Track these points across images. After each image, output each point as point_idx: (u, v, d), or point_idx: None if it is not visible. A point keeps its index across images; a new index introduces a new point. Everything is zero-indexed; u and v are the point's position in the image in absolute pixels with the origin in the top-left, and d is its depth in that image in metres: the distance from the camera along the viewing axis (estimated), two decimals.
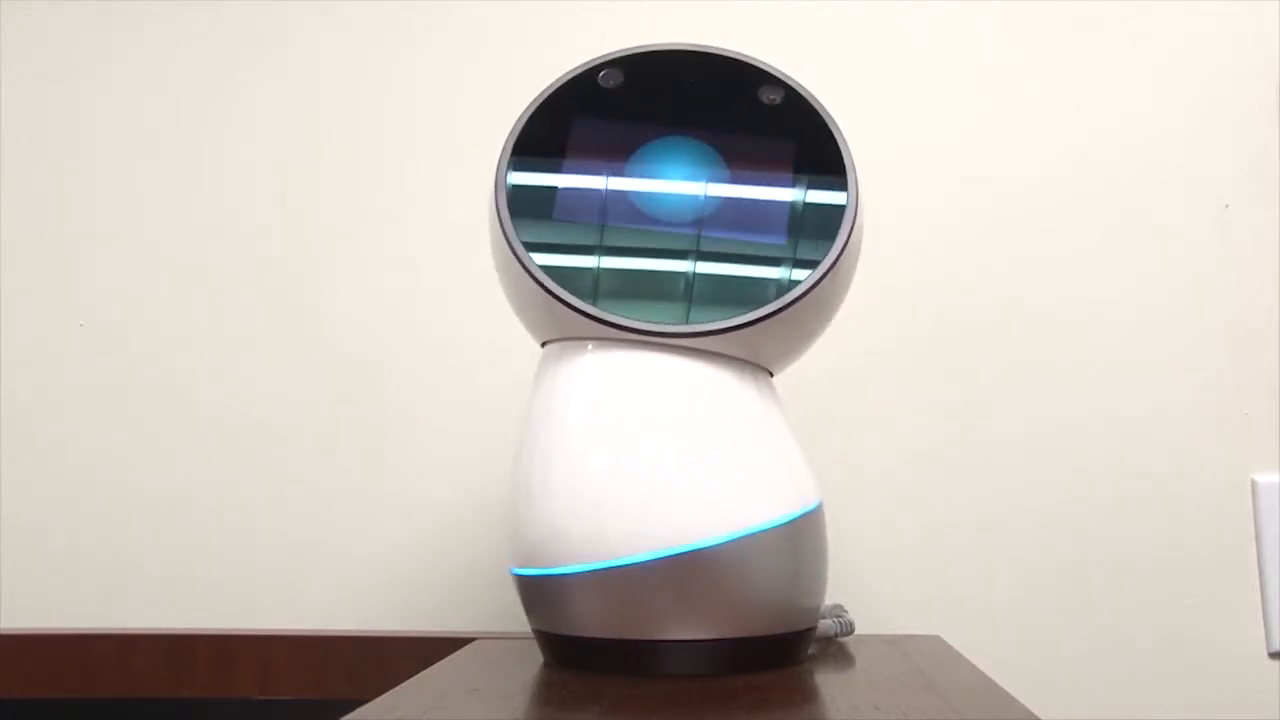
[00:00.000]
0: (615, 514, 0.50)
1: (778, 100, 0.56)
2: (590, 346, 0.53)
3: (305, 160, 0.88)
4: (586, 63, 0.57)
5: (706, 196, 0.55)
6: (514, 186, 0.55)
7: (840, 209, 0.54)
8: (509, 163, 0.55)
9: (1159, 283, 0.83)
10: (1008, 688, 0.49)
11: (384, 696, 0.48)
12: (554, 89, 0.57)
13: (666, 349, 0.52)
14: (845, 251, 0.53)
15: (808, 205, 0.55)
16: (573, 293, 0.52)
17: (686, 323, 0.52)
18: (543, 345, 0.57)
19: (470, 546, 0.81)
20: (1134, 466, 0.80)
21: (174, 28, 0.90)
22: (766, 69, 0.57)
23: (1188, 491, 0.80)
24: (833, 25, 0.87)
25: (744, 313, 0.52)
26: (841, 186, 0.55)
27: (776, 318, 0.52)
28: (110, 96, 0.90)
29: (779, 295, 0.52)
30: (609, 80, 0.57)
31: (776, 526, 0.50)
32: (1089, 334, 0.82)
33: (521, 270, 0.53)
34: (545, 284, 0.52)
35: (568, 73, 0.57)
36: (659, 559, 0.49)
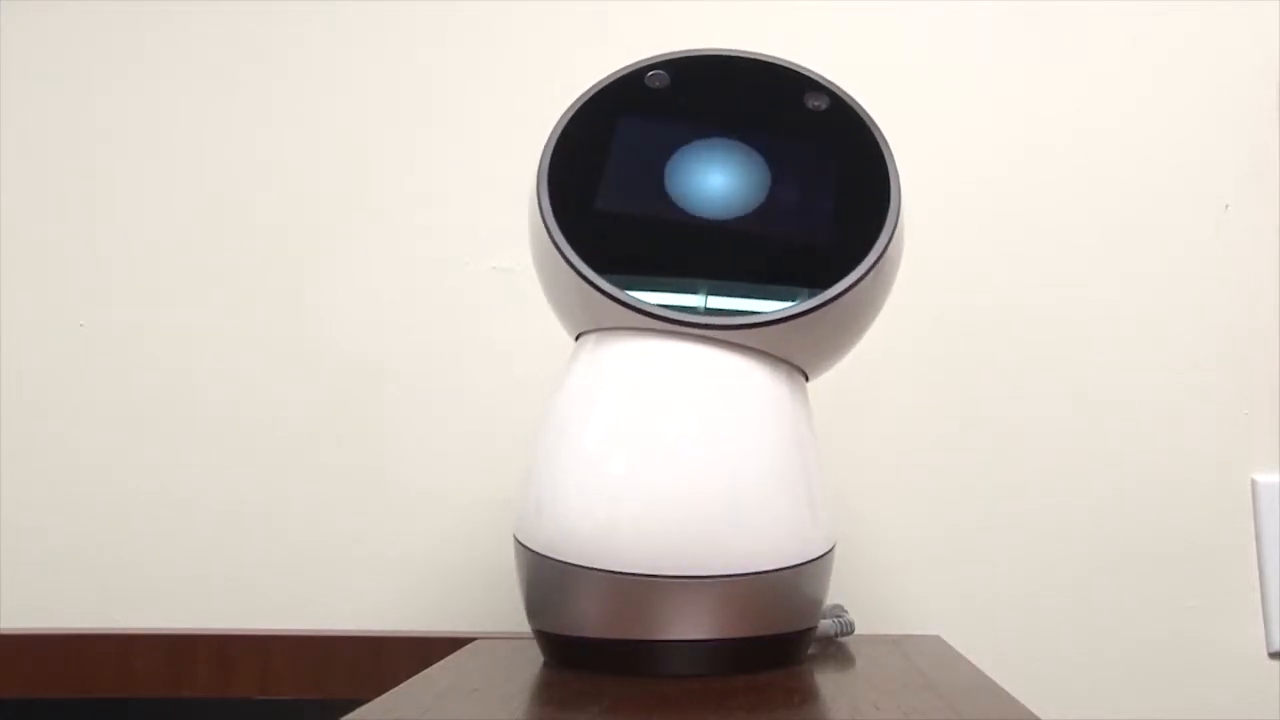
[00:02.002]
0: (630, 523, 0.49)
1: (823, 106, 0.57)
2: (629, 337, 0.53)
3: (305, 160, 0.88)
4: (634, 63, 0.57)
5: (750, 195, 0.55)
6: (556, 179, 0.54)
7: (883, 213, 0.55)
8: (552, 155, 0.55)
9: (1159, 283, 0.83)
10: (1008, 688, 0.49)
11: (384, 696, 0.48)
12: (601, 86, 0.57)
13: (706, 341, 0.52)
14: (887, 253, 0.54)
15: (851, 209, 0.55)
16: (614, 284, 0.52)
17: (727, 316, 0.52)
18: (576, 338, 0.57)
19: (471, 546, 0.81)
20: (1134, 466, 0.80)
21: (174, 28, 0.90)
22: (813, 76, 0.58)
23: (1188, 491, 0.80)
24: (832, 25, 0.87)
25: (784, 310, 0.52)
26: (884, 193, 0.55)
27: (814, 315, 0.52)
28: (110, 96, 0.89)
29: (819, 293, 0.52)
30: (655, 81, 0.57)
31: (794, 567, 0.51)
32: (1089, 334, 0.82)
33: (559, 260, 0.53)
34: (584, 273, 0.52)
35: (615, 71, 0.57)
36: (671, 578, 0.49)
